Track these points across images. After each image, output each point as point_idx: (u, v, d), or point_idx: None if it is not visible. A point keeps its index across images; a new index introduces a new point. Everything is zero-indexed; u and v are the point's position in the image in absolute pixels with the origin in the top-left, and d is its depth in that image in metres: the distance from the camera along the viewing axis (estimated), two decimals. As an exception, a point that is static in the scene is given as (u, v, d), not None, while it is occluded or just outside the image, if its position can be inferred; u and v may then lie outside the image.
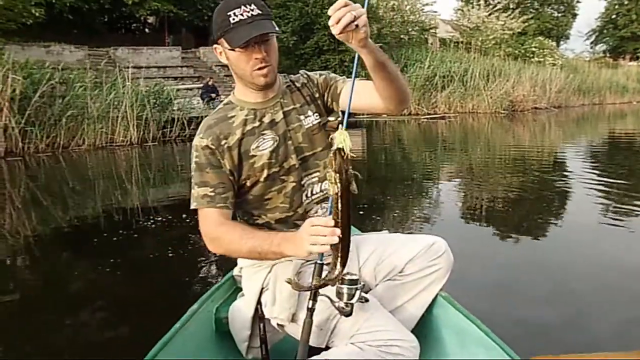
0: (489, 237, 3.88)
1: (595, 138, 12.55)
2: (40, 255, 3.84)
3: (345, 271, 1.10)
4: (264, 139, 1.33)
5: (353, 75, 1.18)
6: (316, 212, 1.38)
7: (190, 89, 15.93)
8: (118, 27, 25.03)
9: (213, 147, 1.29)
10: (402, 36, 21.28)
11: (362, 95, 1.27)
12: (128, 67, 15.32)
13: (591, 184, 5.82)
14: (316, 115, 1.41)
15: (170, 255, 3.51)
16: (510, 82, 20.58)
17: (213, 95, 14.29)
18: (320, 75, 1.45)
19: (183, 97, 13.64)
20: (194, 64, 19.21)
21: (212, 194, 1.28)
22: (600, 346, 2.08)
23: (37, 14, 13.42)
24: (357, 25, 1.00)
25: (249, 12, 1.20)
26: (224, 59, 1.29)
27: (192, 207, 1.30)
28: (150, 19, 25.84)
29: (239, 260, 1.49)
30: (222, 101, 1.46)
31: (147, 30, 26.78)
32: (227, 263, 3.17)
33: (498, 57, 23.33)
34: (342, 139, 1.03)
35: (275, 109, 1.36)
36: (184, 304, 1.47)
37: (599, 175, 6.69)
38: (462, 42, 24.88)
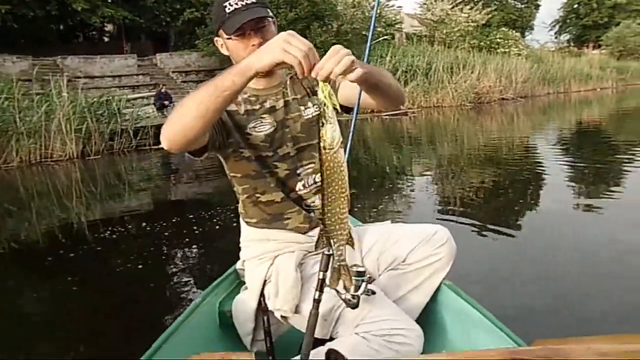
0: (471, 227, 3.78)
1: (564, 125, 12.60)
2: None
3: (351, 263, 1.11)
4: (262, 122, 1.35)
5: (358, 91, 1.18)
6: (313, 202, 1.40)
7: (146, 97, 15.27)
8: (73, 35, 24.07)
9: None
10: (364, 32, 20.87)
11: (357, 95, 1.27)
12: (78, 78, 14.67)
13: (563, 169, 6.05)
14: (316, 108, 1.41)
15: (140, 266, 3.36)
16: (475, 73, 20.41)
17: (166, 102, 13.63)
18: None
19: (138, 105, 12.98)
20: (150, 72, 18.53)
21: None
22: (595, 326, 2.12)
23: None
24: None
25: (243, 1, 1.24)
26: (225, 50, 1.32)
27: None
28: (108, 27, 25.02)
29: (242, 254, 1.48)
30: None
31: (105, 38, 25.94)
32: (222, 261, 2.92)
33: (463, 49, 23.19)
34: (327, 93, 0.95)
35: (278, 96, 1.38)
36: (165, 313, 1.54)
37: (569, 161, 6.90)
38: (425, 36, 24.68)
